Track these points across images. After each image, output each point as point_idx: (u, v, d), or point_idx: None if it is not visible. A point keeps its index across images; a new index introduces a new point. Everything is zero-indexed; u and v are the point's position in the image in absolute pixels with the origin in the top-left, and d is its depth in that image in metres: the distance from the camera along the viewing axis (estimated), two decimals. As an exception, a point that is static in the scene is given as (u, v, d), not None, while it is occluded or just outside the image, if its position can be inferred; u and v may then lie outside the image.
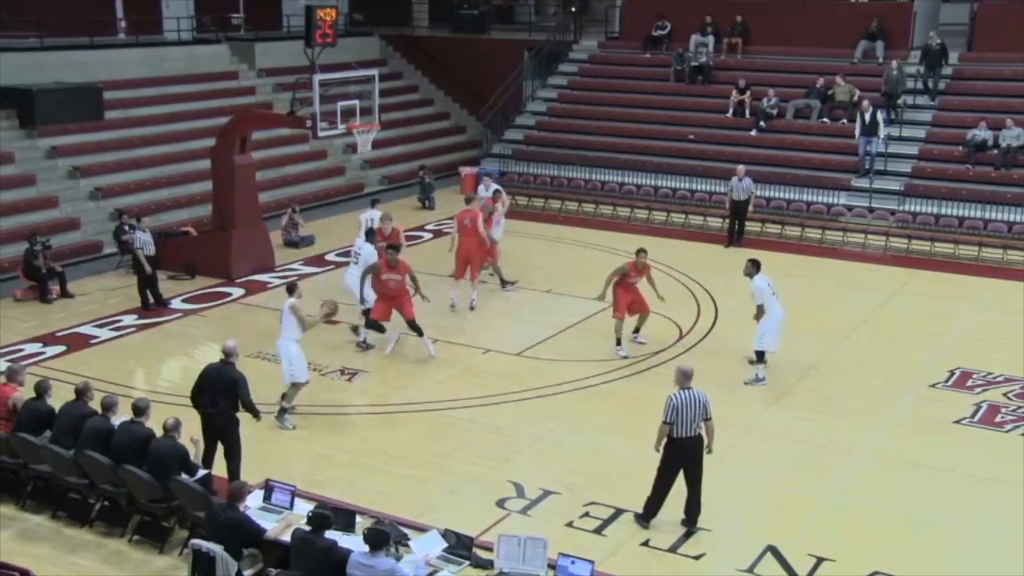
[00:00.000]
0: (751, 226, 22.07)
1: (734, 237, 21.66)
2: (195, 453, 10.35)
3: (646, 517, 10.58)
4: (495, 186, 19.84)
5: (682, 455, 10.31)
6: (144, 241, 17.18)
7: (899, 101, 24.57)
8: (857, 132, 23.74)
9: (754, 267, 14.35)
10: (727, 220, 21.96)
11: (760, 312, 14.34)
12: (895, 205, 22.86)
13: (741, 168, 21.67)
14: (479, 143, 29.70)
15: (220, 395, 10.82)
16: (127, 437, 10.26)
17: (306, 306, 13.06)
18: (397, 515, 10.17)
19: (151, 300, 17.32)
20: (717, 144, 25.75)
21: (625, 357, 15.24)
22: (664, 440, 10.29)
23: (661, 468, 10.45)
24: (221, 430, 10.89)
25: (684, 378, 10.34)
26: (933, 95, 24.94)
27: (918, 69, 25.19)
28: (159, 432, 10.19)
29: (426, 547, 8.87)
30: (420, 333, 14.99)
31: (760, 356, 14.47)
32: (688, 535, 10.43)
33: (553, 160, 26.66)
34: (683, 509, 10.56)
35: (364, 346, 15.51)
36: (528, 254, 20.40)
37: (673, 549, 10.25)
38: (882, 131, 23.43)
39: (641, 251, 15.36)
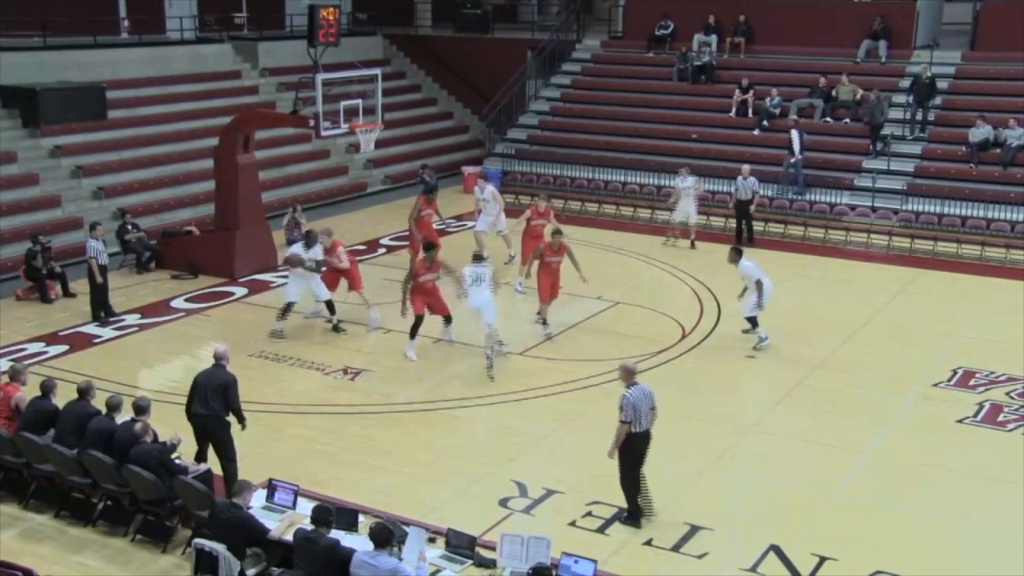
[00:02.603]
0: (755, 225, 22.03)
1: (741, 237, 21.56)
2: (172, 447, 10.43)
3: (635, 518, 10.64)
4: (490, 188, 19.93)
5: (639, 449, 10.50)
6: (97, 250, 16.63)
7: (883, 132, 24.19)
8: (796, 150, 23.76)
9: (737, 254, 15.44)
10: (734, 220, 22.00)
11: (754, 290, 15.15)
12: (898, 204, 22.84)
13: (746, 168, 21.65)
14: (482, 142, 29.73)
15: (212, 396, 10.76)
16: (128, 436, 10.27)
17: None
18: (400, 514, 10.16)
19: (101, 313, 16.73)
20: (720, 143, 25.74)
21: (550, 335, 15.99)
22: (622, 440, 10.40)
23: (624, 467, 10.57)
24: (212, 432, 10.85)
25: (629, 375, 10.56)
26: (923, 127, 24.36)
27: (907, 100, 24.68)
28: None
29: (414, 548, 8.80)
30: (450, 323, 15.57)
31: (754, 322, 15.34)
32: (691, 534, 10.44)
33: (556, 159, 26.66)
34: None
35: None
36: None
37: (676, 548, 10.25)
38: (796, 148, 23.56)
39: (556, 232, 16.33)
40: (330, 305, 16.16)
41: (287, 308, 15.94)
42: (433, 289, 15.07)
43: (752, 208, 21.54)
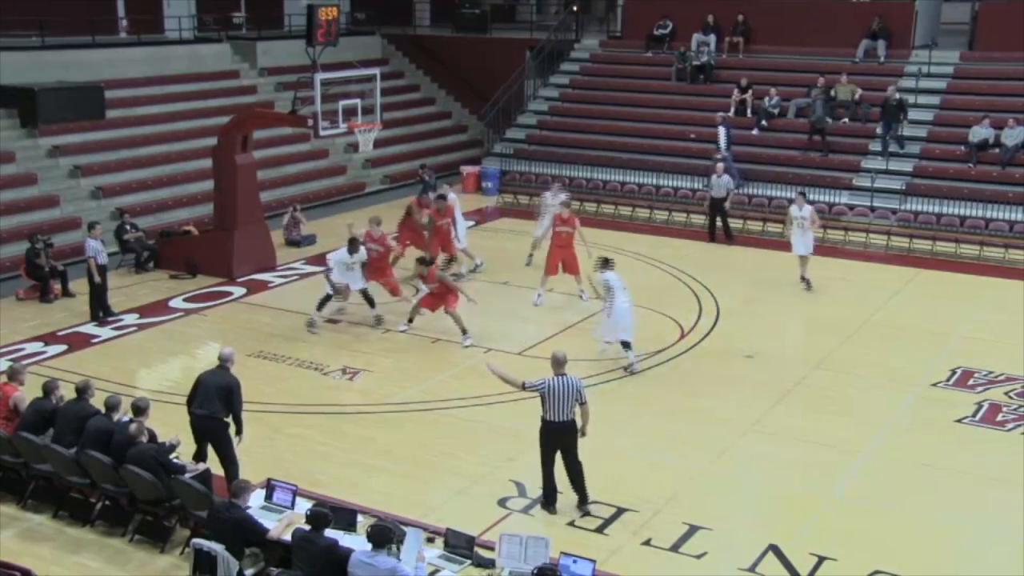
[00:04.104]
0: (753, 225, 22.10)
1: (714, 233, 21.95)
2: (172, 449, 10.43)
3: (548, 503, 10.88)
4: (452, 195, 19.86)
5: (554, 438, 10.68)
6: (96, 249, 16.59)
7: (824, 134, 24.55)
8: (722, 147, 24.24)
9: (604, 263, 15.07)
10: (707, 217, 22.27)
11: (610, 305, 14.64)
12: (897, 204, 22.86)
13: (720, 166, 21.97)
14: (480, 142, 29.71)
15: (214, 398, 10.74)
16: (127, 436, 10.26)
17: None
18: (398, 514, 10.15)
19: (100, 312, 16.71)
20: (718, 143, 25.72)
21: (403, 331, 16.08)
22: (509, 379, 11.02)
23: (541, 453, 10.83)
24: (211, 433, 10.82)
25: (557, 364, 10.73)
26: (888, 156, 23.90)
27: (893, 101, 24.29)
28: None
29: (412, 548, 8.78)
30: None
31: (627, 344, 14.71)
32: (690, 534, 10.44)
33: (555, 159, 26.65)
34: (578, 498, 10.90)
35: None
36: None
37: (675, 548, 10.25)
38: (722, 144, 24.21)
39: (420, 260, 16.31)
40: (368, 298, 16.38)
41: (366, 293, 16.40)
42: (446, 231, 18.25)
43: (727, 206, 21.77)
